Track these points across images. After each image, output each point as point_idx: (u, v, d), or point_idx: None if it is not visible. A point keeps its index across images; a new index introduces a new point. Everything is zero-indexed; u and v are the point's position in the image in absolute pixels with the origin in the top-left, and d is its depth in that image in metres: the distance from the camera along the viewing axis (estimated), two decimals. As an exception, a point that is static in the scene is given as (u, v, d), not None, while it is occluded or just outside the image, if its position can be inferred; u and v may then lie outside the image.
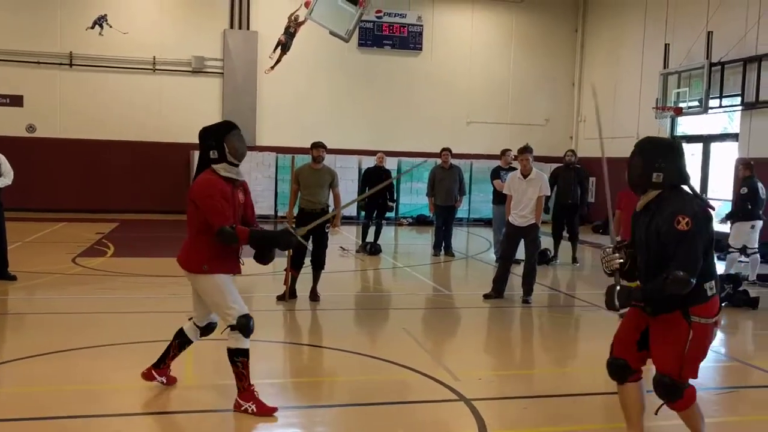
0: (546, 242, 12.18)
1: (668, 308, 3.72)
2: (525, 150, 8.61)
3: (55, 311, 7.50)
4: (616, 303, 3.79)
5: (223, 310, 4.52)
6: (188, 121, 18.34)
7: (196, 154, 18.76)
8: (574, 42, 20.84)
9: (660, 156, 3.80)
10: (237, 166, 4.63)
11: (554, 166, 18.97)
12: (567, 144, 20.22)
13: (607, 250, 4.02)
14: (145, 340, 6.12)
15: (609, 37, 19.48)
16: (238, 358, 4.53)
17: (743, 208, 10.38)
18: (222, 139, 4.55)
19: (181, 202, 19.66)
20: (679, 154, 3.86)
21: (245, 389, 4.55)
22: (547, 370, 6.21)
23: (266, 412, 4.52)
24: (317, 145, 8.39)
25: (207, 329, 4.88)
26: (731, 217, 10.56)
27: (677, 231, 3.60)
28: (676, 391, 3.75)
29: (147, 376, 4.94)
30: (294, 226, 7.08)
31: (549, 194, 8.52)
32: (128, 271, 9.78)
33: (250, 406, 4.52)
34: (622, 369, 3.97)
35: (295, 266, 8.10)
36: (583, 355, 6.80)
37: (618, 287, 3.81)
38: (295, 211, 8.38)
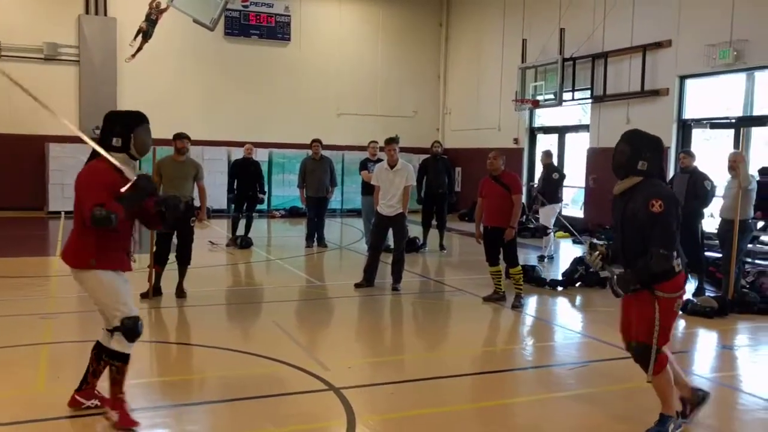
0: (415, 230, 12.54)
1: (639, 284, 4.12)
2: (391, 141, 8.79)
3: None
4: (620, 291, 4.19)
5: (110, 310, 4.20)
6: (41, 111, 17.17)
7: (51, 146, 17.72)
8: (439, 36, 21.44)
9: (647, 148, 4.19)
10: (136, 159, 4.40)
11: (423, 156, 19.56)
12: (434, 135, 20.79)
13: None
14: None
15: (472, 31, 20.21)
16: (116, 362, 4.23)
17: (555, 192, 11.80)
18: (131, 129, 4.32)
19: (35, 198, 18.56)
20: (662, 150, 4.30)
21: (115, 397, 4.27)
22: (416, 355, 6.40)
23: (127, 425, 4.21)
24: (181, 136, 8.14)
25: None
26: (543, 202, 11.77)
27: (652, 213, 4.00)
28: (645, 354, 4.14)
29: (72, 403, 4.43)
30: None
31: (415, 184, 8.75)
32: (5, 273, 9.09)
33: (114, 415, 4.24)
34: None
35: (159, 262, 7.84)
36: (451, 339, 7.06)
37: (615, 276, 4.19)
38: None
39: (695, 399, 4.47)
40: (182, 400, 4.92)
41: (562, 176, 12.34)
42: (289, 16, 19.57)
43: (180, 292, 8.00)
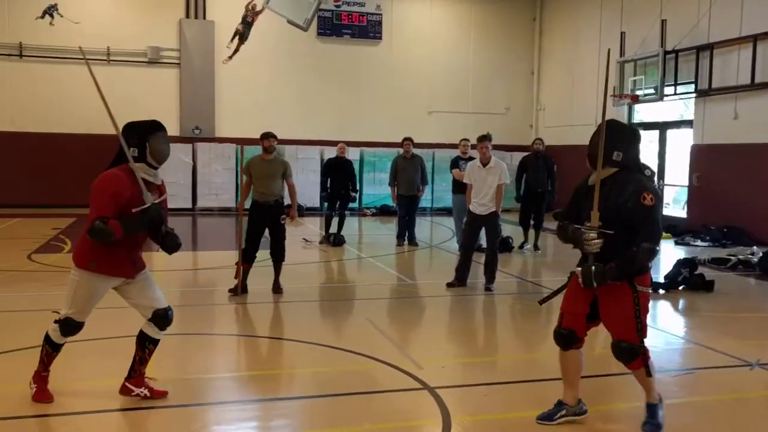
0: (509, 230, 12.34)
1: (617, 279, 4.03)
2: (484, 138, 8.64)
3: (9, 309, 7.30)
4: (594, 283, 4.04)
5: (66, 303, 4.41)
6: (144, 113, 17.90)
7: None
8: (533, 30, 21.00)
9: (623, 138, 4.13)
10: (156, 168, 4.45)
11: (515, 154, 19.20)
12: (527, 132, 20.44)
13: (589, 233, 4.09)
14: (102, 336, 6.00)
15: (567, 25, 19.70)
16: (46, 344, 4.50)
17: None
18: (145, 138, 4.33)
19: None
20: (638, 141, 4.23)
21: (36, 376, 4.55)
22: (509, 356, 6.26)
23: (43, 399, 4.50)
24: (267, 136, 8.26)
25: (159, 319, 4.55)
26: None
27: (644, 206, 3.93)
28: (634, 354, 4.09)
29: (123, 390, 4.60)
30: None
31: (508, 182, 8.57)
32: (85, 267, 9.57)
33: (31, 388, 4.54)
34: (569, 338, 4.34)
35: (246, 261, 8.02)
36: (546, 341, 6.85)
37: (593, 267, 4.05)
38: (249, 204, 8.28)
39: (575, 410, 4.38)
40: (277, 394, 5.01)
41: (653, 173, 11.74)
42: (380, 15, 19.67)
43: (276, 288, 8.16)
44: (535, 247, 12.11)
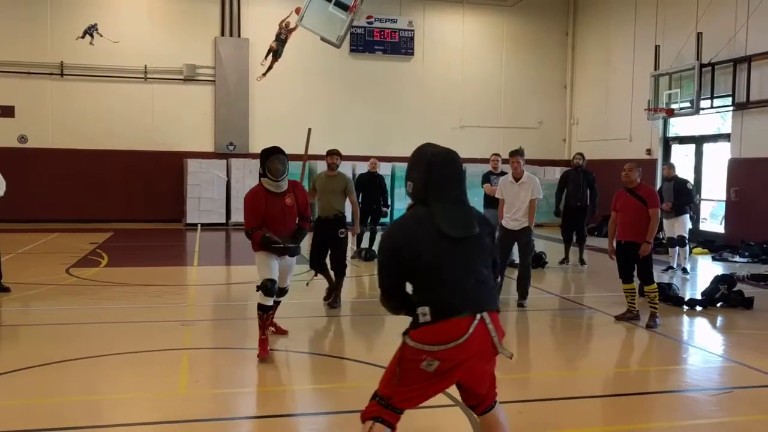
0: (544, 245, 12.22)
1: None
2: (516, 153, 8.60)
3: (48, 322, 7.45)
4: None
5: (259, 274, 6.20)
6: (181, 129, 18.39)
7: (189, 162, 18.81)
8: (565, 44, 20.92)
9: (413, 165, 3.31)
10: (276, 181, 6.07)
11: (548, 168, 19.09)
12: (560, 146, 20.32)
13: None
14: (139, 350, 6.10)
15: (600, 39, 19.58)
16: (258, 311, 6.15)
17: (687, 202, 10.99)
18: (266, 160, 6.08)
19: (175, 210, 19.73)
20: (427, 167, 3.17)
21: (260, 337, 6.15)
22: (544, 373, 6.19)
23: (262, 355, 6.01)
24: (331, 153, 8.56)
25: (282, 292, 6.45)
26: (680, 212, 10.93)
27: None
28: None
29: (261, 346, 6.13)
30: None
31: (541, 197, 8.51)
32: (122, 281, 9.74)
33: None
34: None
35: (313, 268, 8.36)
36: (580, 359, 6.79)
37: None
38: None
39: None
40: (305, 409, 5.02)
41: (692, 186, 11.64)
42: (412, 30, 19.79)
43: (334, 302, 8.31)
44: (581, 262, 11.97)
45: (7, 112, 17.45)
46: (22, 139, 17.55)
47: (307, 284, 8.48)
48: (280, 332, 6.82)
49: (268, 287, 6.03)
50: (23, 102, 17.53)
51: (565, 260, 12.02)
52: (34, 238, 14.40)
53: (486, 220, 3.32)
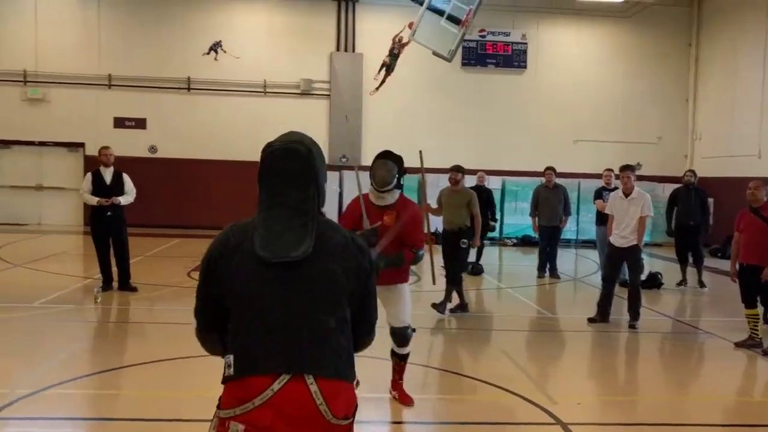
0: (662, 266, 11.74)
1: None
2: (626, 168, 8.36)
3: (171, 321, 7.94)
4: None
5: None
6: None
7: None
8: (688, 56, 20.01)
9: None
10: (379, 191, 4.95)
11: (668, 185, 18.30)
12: (681, 163, 19.42)
13: None
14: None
15: (727, 49, 18.59)
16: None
17: None
18: (372, 166, 5.00)
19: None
20: (262, 157, 2.40)
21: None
22: (652, 398, 5.96)
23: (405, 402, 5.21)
24: (452, 169, 8.91)
25: (393, 335, 5.19)
26: None
27: None
28: None
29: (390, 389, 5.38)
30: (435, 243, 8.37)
31: (652, 214, 8.21)
32: (238, 286, 10.22)
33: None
34: None
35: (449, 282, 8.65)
36: (693, 384, 6.50)
37: None
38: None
39: None
40: (406, 418, 5.09)
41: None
42: (525, 43, 19.58)
43: (441, 308, 8.60)
44: (700, 284, 11.41)
45: (140, 124, 18.76)
46: (152, 149, 18.78)
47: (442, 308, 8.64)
48: (404, 400, 5.26)
49: None
50: (154, 114, 18.78)
51: (682, 281, 11.48)
52: (160, 242, 15.35)
53: (357, 249, 2.32)
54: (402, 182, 4.99)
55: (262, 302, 2.19)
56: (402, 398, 5.26)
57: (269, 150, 2.35)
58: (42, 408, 4.97)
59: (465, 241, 8.59)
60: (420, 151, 7.10)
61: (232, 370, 2.19)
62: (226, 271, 2.25)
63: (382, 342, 6.08)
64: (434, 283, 8.31)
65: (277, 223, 2.23)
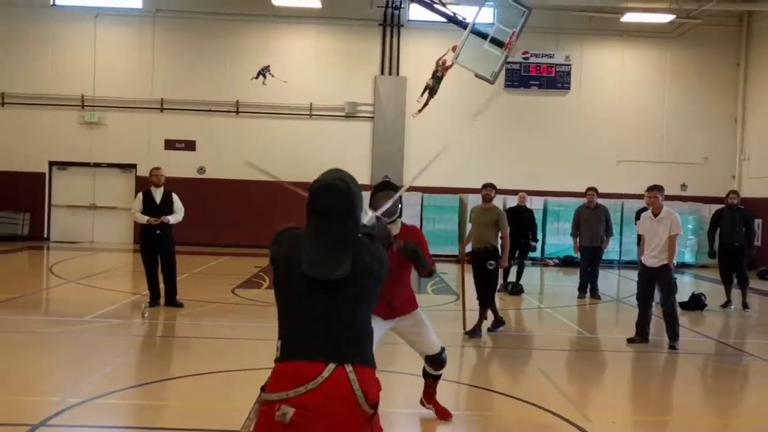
0: (706, 287, 11.55)
1: None
2: (653, 188, 8.35)
3: (216, 336, 8.20)
4: None
5: None
6: (340, 163, 19.12)
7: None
8: (736, 76, 19.72)
9: None
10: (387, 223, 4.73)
11: (713, 206, 17.99)
12: (728, 183, 19.05)
13: None
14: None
15: (776, 69, 18.25)
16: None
17: None
18: (374, 197, 4.84)
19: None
20: (309, 192, 2.82)
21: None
22: (688, 418, 5.92)
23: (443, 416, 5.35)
24: (486, 185, 8.89)
25: (431, 362, 5.23)
26: None
27: None
28: None
29: (420, 401, 5.47)
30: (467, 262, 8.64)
31: (681, 233, 8.14)
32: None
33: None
34: None
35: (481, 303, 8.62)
36: (728, 407, 6.41)
37: None
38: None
39: None
40: (444, 433, 5.19)
41: None
42: (569, 65, 19.58)
43: (474, 332, 8.50)
44: (744, 306, 11.21)
45: (190, 146, 19.36)
46: (201, 170, 19.33)
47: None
48: (443, 415, 5.40)
49: None
50: (203, 137, 19.37)
51: (727, 303, 11.29)
52: (206, 260, 15.75)
53: (380, 264, 2.76)
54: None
55: (306, 304, 2.66)
56: (441, 413, 5.36)
57: (315, 186, 2.79)
58: (91, 416, 5.22)
59: (492, 262, 8.47)
60: (459, 197, 7.31)
61: (278, 353, 2.67)
62: (284, 270, 2.72)
63: (412, 359, 6.20)
64: (465, 329, 8.47)
65: (321, 248, 2.67)
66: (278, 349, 2.68)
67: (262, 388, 2.68)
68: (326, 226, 2.71)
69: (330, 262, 2.65)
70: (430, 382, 5.35)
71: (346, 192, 2.74)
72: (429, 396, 5.41)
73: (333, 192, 2.74)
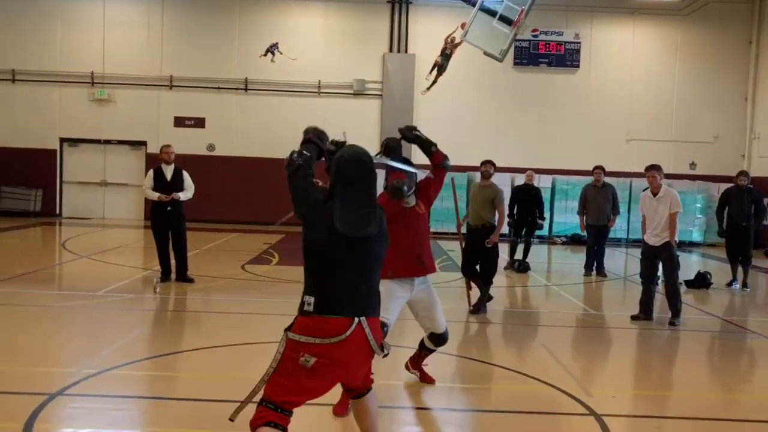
0: (713, 266, 11.61)
1: None
2: (651, 168, 8.38)
3: (226, 311, 8.35)
4: None
5: None
6: (349, 140, 19.40)
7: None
8: (748, 54, 19.58)
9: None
10: (406, 198, 5.38)
11: (722, 186, 17.96)
12: (738, 162, 19.02)
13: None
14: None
15: (788, 47, 18.11)
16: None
17: None
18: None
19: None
20: (336, 163, 3.48)
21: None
22: (688, 393, 6.02)
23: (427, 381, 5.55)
24: (483, 162, 8.96)
25: (434, 338, 5.39)
26: None
27: None
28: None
29: (406, 365, 5.66)
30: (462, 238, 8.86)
31: (681, 210, 8.18)
32: (290, 278, 10.56)
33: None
34: None
35: (468, 276, 8.76)
36: (727, 381, 6.51)
37: None
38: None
39: None
40: (445, 405, 5.32)
41: None
42: (579, 42, 19.49)
43: (476, 309, 8.56)
44: (744, 285, 11.29)
45: (199, 123, 19.47)
46: (210, 147, 19.45)
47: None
48: (426, 380, 5.62)
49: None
50: (212, 114, 19.46)
51: (732, 281, 11.36)
52: (216, 236, 15.92)
53: (383, 217, 3.40)
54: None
55: (342, 264, 3.21)
56: (426, 378, 5.59)
57: (343, 159, 3.36)
58: (106, 387, 5.38)
59: (487, 240, 8.45)
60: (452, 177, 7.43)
61: (312, 308, 3.20)
62: (317, 232, 3.29)
63: (413, 331, 6.32)
64: (470, 306, 8.59)
65: (352, 208, 3.22)
66: (309, 304, 3.20)
67: (287, 330, 3.22)
68: (356, 190, 3.26)
69: (362, 221, 3.21)
70: (425, 353, 5.56)
71: (370, 163, 3.37)
72: (415, 362, 5.62)
73: (362, 163, 3.35)
